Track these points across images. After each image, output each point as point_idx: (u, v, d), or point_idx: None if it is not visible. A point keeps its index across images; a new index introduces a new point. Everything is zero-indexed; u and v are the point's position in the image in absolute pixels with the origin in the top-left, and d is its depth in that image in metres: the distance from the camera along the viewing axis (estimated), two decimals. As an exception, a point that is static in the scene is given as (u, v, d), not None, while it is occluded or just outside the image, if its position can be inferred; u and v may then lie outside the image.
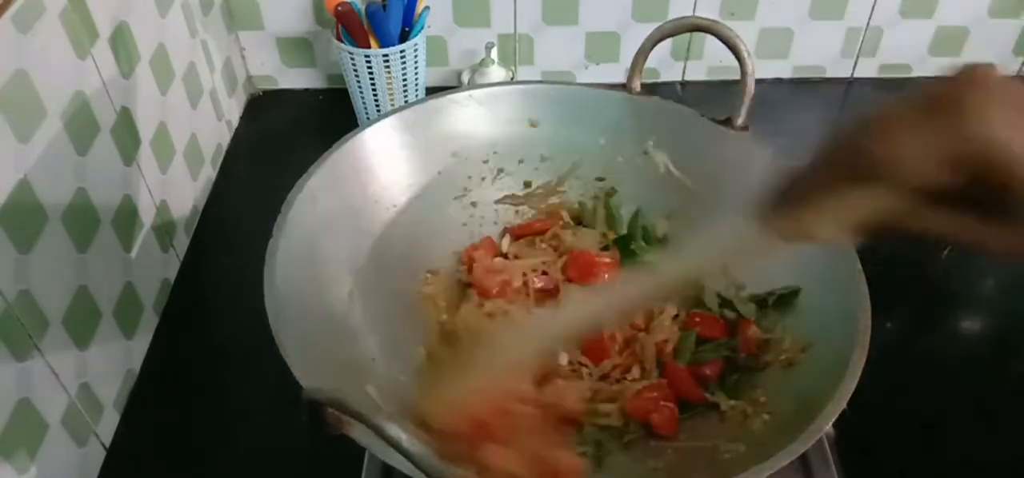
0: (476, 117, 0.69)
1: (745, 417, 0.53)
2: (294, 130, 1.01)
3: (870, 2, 1.00)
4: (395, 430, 0.34)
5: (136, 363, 0.71)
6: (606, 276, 0.65)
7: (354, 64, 0.90)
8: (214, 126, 0.93)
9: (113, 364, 0.67)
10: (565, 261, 0.67)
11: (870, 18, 1.02)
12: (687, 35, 0.98)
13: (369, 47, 0.89)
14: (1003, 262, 0.55)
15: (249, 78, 1.05)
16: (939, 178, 0.28)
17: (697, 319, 0.62)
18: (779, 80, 1.07)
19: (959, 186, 0.28)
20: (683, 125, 0.67)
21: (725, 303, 0.63)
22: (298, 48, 1.03)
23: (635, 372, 0.59)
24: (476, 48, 1.00)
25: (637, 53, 0.67)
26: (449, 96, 0.68)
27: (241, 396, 0.71)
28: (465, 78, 0.99)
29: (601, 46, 1.03)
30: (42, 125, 0.57)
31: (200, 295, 0.80)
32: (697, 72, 1.06)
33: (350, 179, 0.63)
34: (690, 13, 0.98)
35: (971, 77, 0.28)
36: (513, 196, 0.72)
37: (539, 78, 1.05)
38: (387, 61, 0.89)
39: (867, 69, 1.07)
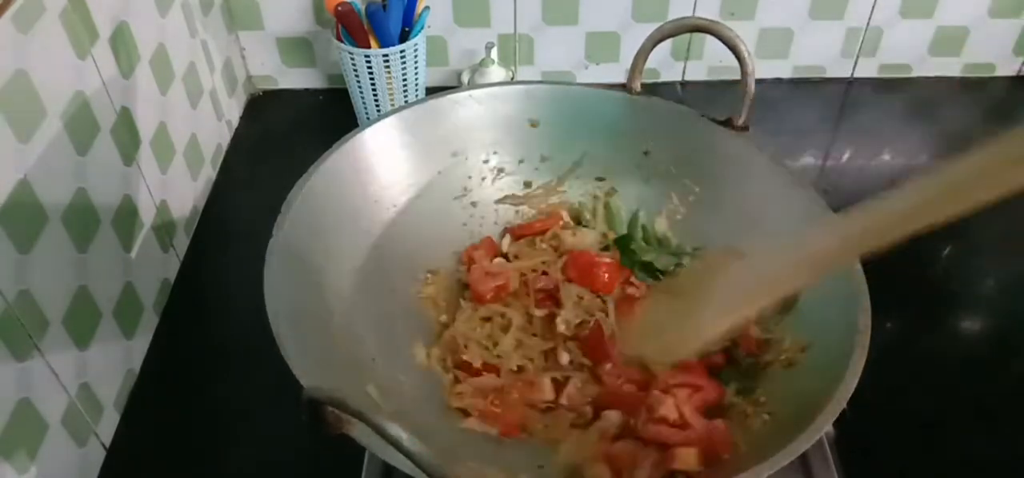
0: (476, 117, 0.69)
1: (745, 417, 0.53)
2: (294, 130, 1.01)
3: (870, 2, 1.00)
4: (396, 429, 0.34)
5: (136, 363, 0.71)
6: (606, 276, 0.65)
7: (354, 64, 0.90)
8: (214, 126, 0.93)
9: (113, 364, 0.67)
10: (565, 261, 0.67)
11: (870, 18, 1.02)
12: (687, 35, 0.98)
13: (369, 47, 0.89)
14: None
15: (249, 78, 1.05)
16: None
17: None
18: (779, 80, 1.07)
19: None
20: (683, 125, 0.67)
21: None
22: (298, 48, 1.03)
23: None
24: (476, 48, 1.00)
25: (637, 53, 0.67)
26: (449, 96, 0.68)
27: (241, 396, 0.71)
28: (465, 78, 0.99)
29: (601, 46, 1.03)
30: (42, 125, 0.57)
31: (200, 295, 0.80)
32: (697, 72, 1.06)
33: (350, 179, 0.63)
34: (690, 13, 0.98)
35: None
36: (513, 196, 0.72)
37: (539, 78, 1.05)
38: (387, 61, 0.89)
39: (867, 69, 1.07)
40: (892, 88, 1.06)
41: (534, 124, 0.70)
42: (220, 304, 0.79)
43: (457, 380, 0.59)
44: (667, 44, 0.95)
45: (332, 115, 1.02)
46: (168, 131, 0.79)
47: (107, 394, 0.65)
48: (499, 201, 0.71)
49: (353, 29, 0.88)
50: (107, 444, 0.65)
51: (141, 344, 0.72)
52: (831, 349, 0.50)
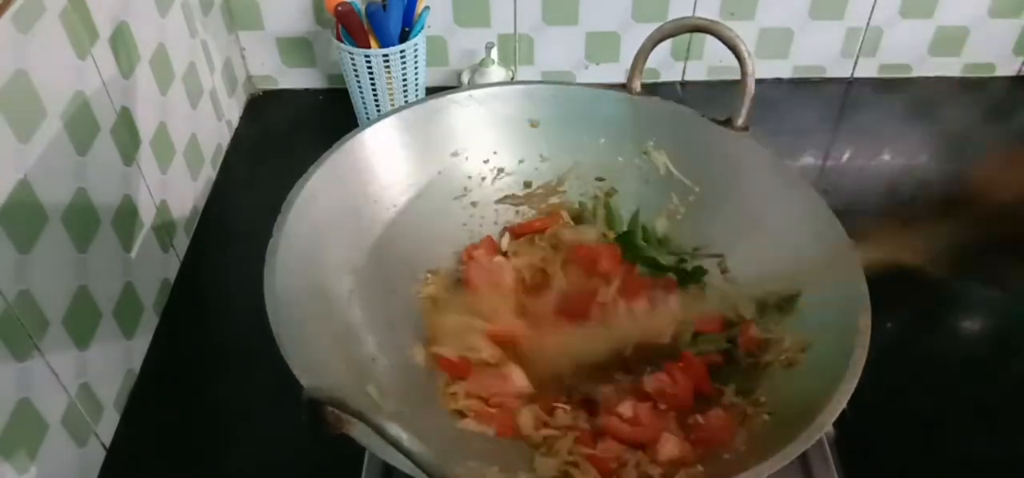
0: (476, 117, 0.69)
1: (745, 417, 0.53)
2: (294, 130, 1.01)
3: (870, 2, 1.00)
4: (395, 429, 0.34)
5: (136, 363, 0.71)
6: (606, 264, 0.64)
7: (354, 64, 0.90)
8: (214, 126, 0.93)
9: (113, 364, 0.67)
10: (565, 255, 0.67)
11: (870, 18, 1.02)
12: (687, 35, 0.98)
13: (369, 47, 0.89)
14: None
15: (249, 78, 1.05)
16: None
17: (695, 316, 0.62)
18: (779, 80, 1.07)
19: None
20: (683, 125, 0.67)
21: (722, 301, 0.63)
22: (298, 48, 1.03)
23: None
24: (476, 48, 1.00)
25: (637, 54, 0.67)
26: (449, 96, 0.68)
27: (241, 396, 0.71)
28: (465, 78, 0.99)
29: (601, 46, 1.03)
30: (42, 125, 0.57)
31: (200, 295, 0.80)
32: (697, 72, 1.06)
33: (350, 179, 0.63)
34: (690, 13, 0.98)
35: None
36: (513, 196, 0.72)
37: (539, 78, 1.05)
38: (387, 61, 0.89)
39: (867, 69, 1.07)
40: (892, 88, 1.06)
41: (534, 124, 0.70)
42: (220, 304, 0.79)
43: (449, 382, 0.59)
44: (667, 44, 0.95)
45: (332, 115, 1.02)
46: (168, 131, 0.79)
47: (107, 394, 0.65)
48: (499, 201, 0.71)
49: (353, 29, 0.88)
50: (107, 444, 0.65)
51: (141, 344, 0.72)
52: (831, 349, 0.50)
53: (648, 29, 0.66)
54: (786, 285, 0.59)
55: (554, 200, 0.72)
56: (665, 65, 1.05)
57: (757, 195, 0.62)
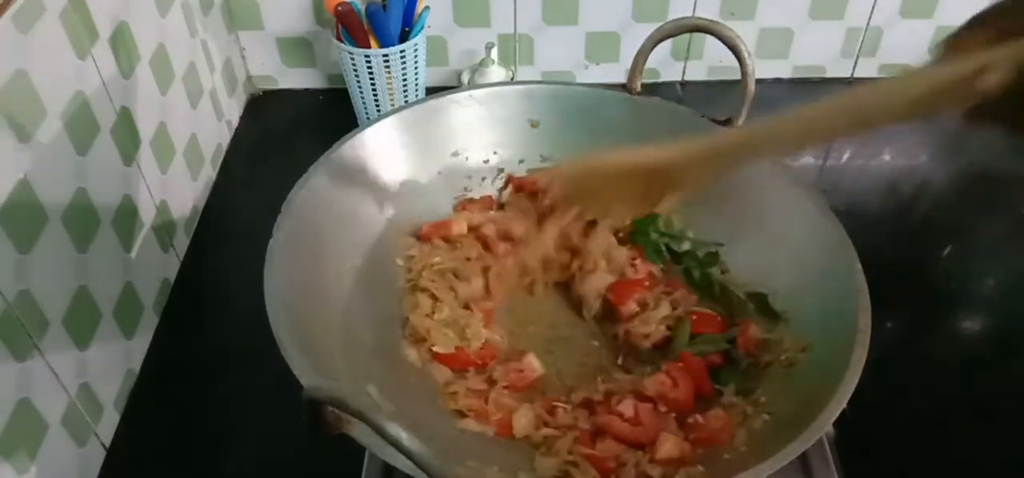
0: (476, 117, 0.69)
1: (745, 417, 0.53)
2: (294, 130, 1.01)
3: (870, 2, 1.00)
4: (395, 429, 0.34)
5: (136, 363, 0.71)
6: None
7: (354, 64, 0.90)
8: (214, 126, 0.93)
9: (113, 364, 0.67)
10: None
11: (870, 18, 1.02)
12: (687, 35, 0.98)
13: (369, 47, 0.89)
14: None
15: (249, 78, 1.05)
16: None
17: (694, 316, 0.62)
18: (779, 80, 1.07)
19: None
20: (683, 125, 0.67)
21: (723, 295, 0.63)
22: (298, 48, 1.03)
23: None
24: (476, 48, 1.00)
25: (637, 54, 0.67)
26: (449, 96, 0.68)
27: (241, 396, 0.71)
28: (465, 78, 0.99)
29: (601, 46, 1.03)
30: (42, 125, 0.57)
31: (200, 295, 0.80)
32: (697, 72, 1.06)
33: (350, 179, 0.63)
34: (690, 13, 0.98)
35: None
36: (513, 196, 0.72)
37: (539, 78, 1.05)
38: (387, 61, 0.89)
39: (867, 69, 1.07)
40: (892, 88, 1.06)
41: (534, 124, 0.70)
42: (220, 304, 0.79)
43: (448, 381, 0.59)
44: (667, 44, 0.95)
45: (332, 115, 1.02)
46: (168, 131, 0.79)
47: (107, 394, 0.65)
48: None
49: (353, 29, 0.88)
50: (107, 444, 0.65)
51: (141, 344, 0.72)
52: (831, 349, 0.50)
53: (648, 29, 0.66)
54: (786, 286, 0.59)
55: (554, 200, 0.72)
56: (665, 65, 1.05)
57: (757, 195, 0.63)
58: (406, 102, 0.93)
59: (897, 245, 0.84)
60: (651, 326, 0.61)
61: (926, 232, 0.86)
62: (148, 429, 0.68)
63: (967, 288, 0.80)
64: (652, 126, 0.68)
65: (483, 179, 0.71)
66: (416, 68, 0.92)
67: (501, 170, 0.71)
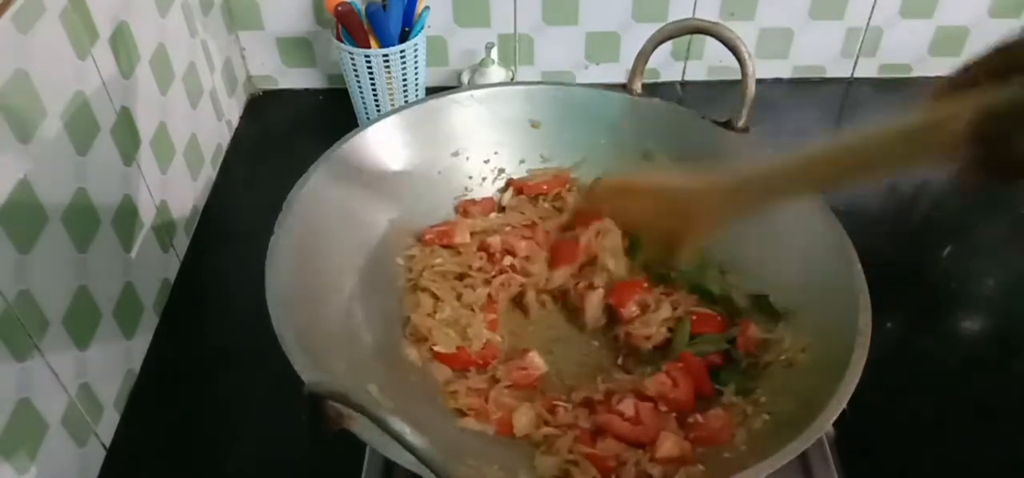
0: (477, 117, 0.69)
1: (745, 417, 0.53)
2: (294, 130, 1.01)
3: (870, 2, 1.00)
4: (399, 423, 0.34)
5: (136, 363, 0.71)
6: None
7: (354, 64, 0.90)
8: (214, 126, 0.93)
9: (113, 364, 0.67)
10: (567, 219, 0.68)
11: (870, 18, 1.02)
12: (687, 35, 0.98)
13: (369, 47, 0.89)
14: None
15: (249, 78, 1.05)
16: None
17: (694, 316, 0.62)
18: (779, 80, 1.07)
19: None
20: (683, 126, 0.67)
21: (723, 298, 0.63)
22: (298, 48, 1.03)
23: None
24: (476, 48, 1.00)
25: (638, 55, 0.67)
26: (450, 96, 0.68)
27: (241, 396, 0.71)
28: (465, 78, 0.99)
29: (601, 46, 1.03)
30: (42, 125, 0.57)
31: (200, 295, 0.80)
32: (697, 72, 1.06)
33: (350, 179, 0.63)
34: (690, 14, 0.98)
35: None
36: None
37: (539, 78, 1.05)
38: (387, 61, 0.89)
39: (867, 69, 1.07)
40: (892, 88, 1.06)
41: (535, 124, 0.70)
42: (220, 304, 0.79)
43: (448, 381, 0.59)
44: (667, 44, 0.95)
45: (332, 115, 1.02)
46: (168, 131, 0.79)
47: (107, 394, 0.65)
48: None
49: (353, 29, 0.88)
50: (107, 444, 0.65)
51: (141, 344, 0.72)
52: (831, 349, 0.50)
53: (648, 29, 0.66)
54: (786, 285, 0.59)
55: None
56: (665, 65, 1.05)
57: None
58: (406, 102, 0.93)
59: (897, 245, 0.84)
60: (652, 328, 0.61)
61: (926, 232, 0.86)
62: (148, 429, 0.68)
63: (967, 288, 0.80)
64: (652, 126, 0.68)
65: (483, 179, 0.71)
66: (416, 68, 0.92)
67: (501, 170, 0.71)
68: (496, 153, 0.71)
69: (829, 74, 1.07)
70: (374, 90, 0.92)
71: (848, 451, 0.58)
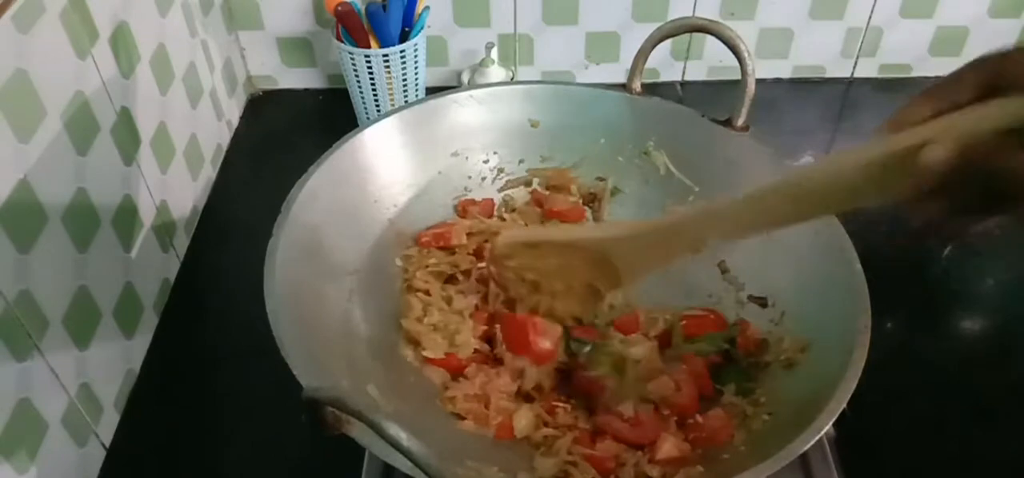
0: (476, 117, 0.69)
1: (745, 417, 0.53)
2: (294, 130, 1.01)
3: (870, 2, 1.00)
4: (395, 429, 0.34)
5: (136, 363, 0.71)
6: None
7: (354, 64, 0.90)
8: (214, 126, 0.93)
9: (113, 364, 0.67)
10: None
11: (870, 18, 1.02)
12: (687, 35, 0.98)
13: (369, 47, 0.89)
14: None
15: (249, 78, 1.05)
16: None
17: (684, 320, 0.62)
18: (779, 80, 1.07)
19: None
20: (683, 125, 0.67)
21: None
22: (298, 48, 1.03)
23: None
24: (476, 48, 1.00)
25: (637, 54, 0.67)
26: (450, 96, 0.68)
27: (241, 396, 0.70)
28: (465, 78, 0.99)
29: (601, 46, 1.03)
30: (42, 125, 0.57)
31: (200, 295, 0.80)
32: (697, 72, 1.06)
33: (350, 179, 0.63)
34: (690, 13, 0.98)
35: None
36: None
37: (539, 78, 1.05)
38: (387, 61, 0.89)
39: (867, 69, 1.07)
40: (892, 88, 1.06)
41: (534, 124, 0.70)
42: (220, 304, 0.79)
43: (446, 385, 0.59)
44: (667, 43, 0.95)
45: (332, 115, 1.02)
46: (168, 131, 0.79)
47: (107, 394, 0.65)
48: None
49: (353, 29, 0.88)
50: (107, 444, 0.65)
51: (141, 344, 0.72)
52: (831, 349, 0.50)
53: (648, 29, 0.66)
54: (786, 286, 0.59)
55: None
56: (665, 65, 1.05)
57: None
58: (406, 102, 0.93)
59: (897, 245, 0.84)
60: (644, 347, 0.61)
61: (926, 232, 0.86)
62: (148, 429, 0.68)
63: (967, 288, 0.80)
64: (652, 126, 0.68)
65: (483, 179, 0.71)
66: (416, 68, 0.92)
67: (501, 170, 0.71)
68: (496, 153, 0.71)
69: (829, 74, 1.07)
70: (374, 90, 0.92)
71: (848, 451, 0.58)
